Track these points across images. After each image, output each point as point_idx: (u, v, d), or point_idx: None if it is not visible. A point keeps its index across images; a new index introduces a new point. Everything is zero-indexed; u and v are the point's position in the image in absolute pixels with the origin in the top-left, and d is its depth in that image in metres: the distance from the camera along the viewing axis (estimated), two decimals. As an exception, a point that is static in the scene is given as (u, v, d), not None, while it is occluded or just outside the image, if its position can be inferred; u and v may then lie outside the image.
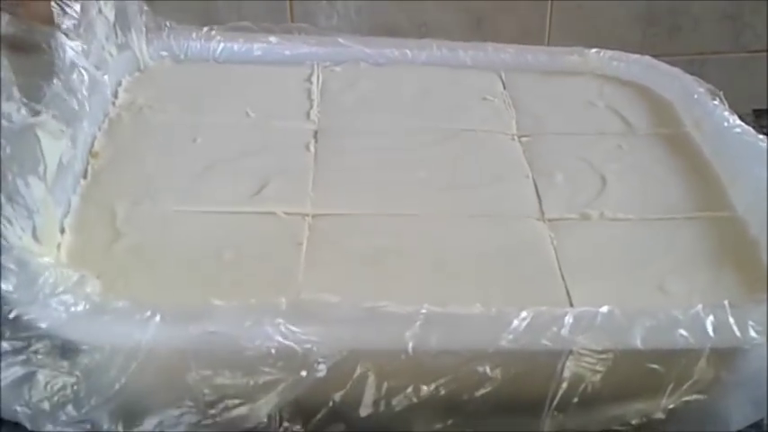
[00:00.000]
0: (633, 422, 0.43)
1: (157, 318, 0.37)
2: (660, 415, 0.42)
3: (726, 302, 0.42)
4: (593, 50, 0.65)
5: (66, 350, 0.36)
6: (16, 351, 0.37)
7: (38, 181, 0.41)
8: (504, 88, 0.64)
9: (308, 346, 0.37)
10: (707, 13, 0.79)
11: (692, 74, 0.62)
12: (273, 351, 0.37)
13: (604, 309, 0.42)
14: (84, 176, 0.49)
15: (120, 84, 0.57)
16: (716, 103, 0.58)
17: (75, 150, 0.47)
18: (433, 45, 0.66)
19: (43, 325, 0.36)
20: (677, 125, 0.60)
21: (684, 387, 0.42)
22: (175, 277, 0.43)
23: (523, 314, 0.41)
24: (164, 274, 0.43)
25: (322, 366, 0.37)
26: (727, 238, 0.49)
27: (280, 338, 0.37)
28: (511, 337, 0.40)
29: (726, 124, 0.56)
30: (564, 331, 0.41)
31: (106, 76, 0.55)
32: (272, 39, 0.63)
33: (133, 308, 0.37)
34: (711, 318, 0.41)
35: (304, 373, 0.37)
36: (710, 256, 0.48)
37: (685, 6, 0.78)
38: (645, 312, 0.42)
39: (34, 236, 0.40)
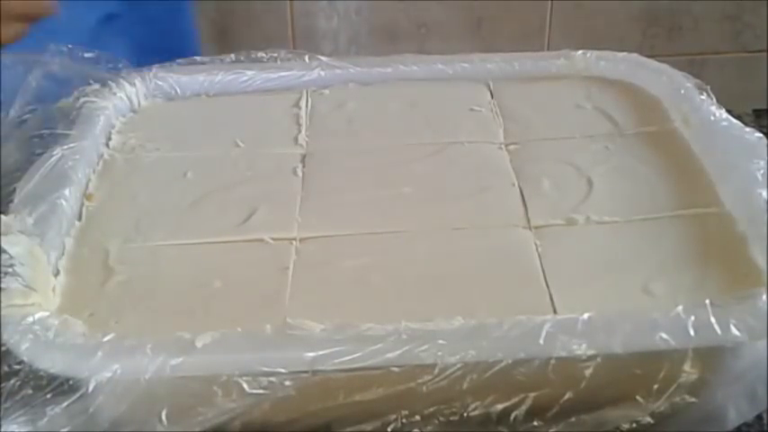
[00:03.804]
0: (624, 427, 0.43)
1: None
2: (648, 419, 0.42)
3: (707, 302, 0.42)
4: (580, 52, 0.65)
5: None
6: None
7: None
8: (492, 97, 0.64)
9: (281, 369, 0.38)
10: (707, 13, 0.78)
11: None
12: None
13: (584, 315, 0.42)
14: (79, 218, 0.51)
15: (113, 126, 0.59)
16: (703, 97, 0.57)
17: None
18: (421, 59, 0.66)
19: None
20: (665, 122, 0.59)
21: (672, 388, 0.42)
22: (163, 310, 0.44)
23: (503, 325, 0.42)
24: (152, 308, 0.45)
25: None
26: (713, 235, 0.49)
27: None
28: (491, 348, 0.41)
29: (712, 118, 0.55)
30: (542, 340, 0.41)
31: (102, 118, 0.58)
32: (261, 68, 0.65)
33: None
34: (692, 318, 0.41)
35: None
36: (697, 254, 0.48)
37: (685, 6, 0.78)
38: (625, 316, 0.42)
39: (26, 285, 0.42)
